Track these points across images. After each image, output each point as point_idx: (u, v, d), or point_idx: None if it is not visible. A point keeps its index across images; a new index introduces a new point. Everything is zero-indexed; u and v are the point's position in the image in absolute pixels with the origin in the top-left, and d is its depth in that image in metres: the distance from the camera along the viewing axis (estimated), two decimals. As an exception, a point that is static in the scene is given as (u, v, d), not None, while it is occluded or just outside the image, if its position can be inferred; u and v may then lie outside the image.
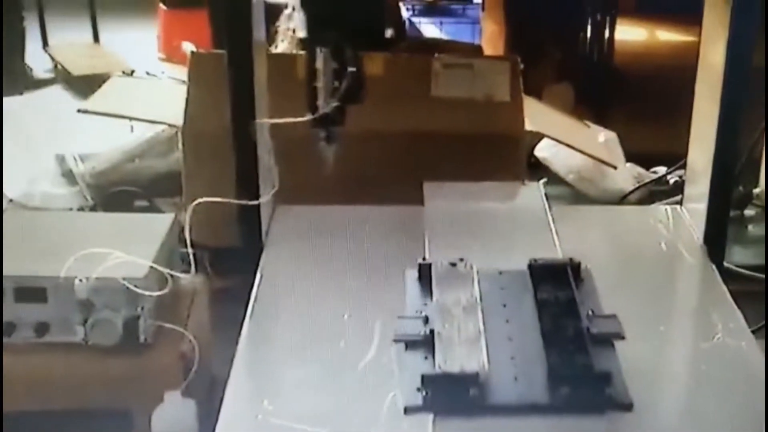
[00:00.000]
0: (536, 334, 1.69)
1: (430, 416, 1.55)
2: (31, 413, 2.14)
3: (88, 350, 2.16)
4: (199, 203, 2.07)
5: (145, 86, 3.78)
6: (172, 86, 3.60)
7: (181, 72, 3.31)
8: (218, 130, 2.21)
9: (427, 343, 1.65)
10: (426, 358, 1.62)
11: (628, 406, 1.56)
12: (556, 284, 1.80)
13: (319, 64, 1.94)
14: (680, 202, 2.39)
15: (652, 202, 3.45)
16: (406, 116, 2.86)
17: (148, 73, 4.70)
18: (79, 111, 3.17)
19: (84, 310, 2.13)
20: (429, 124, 2.91)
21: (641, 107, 4.09)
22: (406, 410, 1.57)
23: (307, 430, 1.60)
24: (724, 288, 2.01)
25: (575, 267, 1.86)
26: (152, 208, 3.30)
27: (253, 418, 1.64)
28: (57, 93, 5.21)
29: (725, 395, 1.69)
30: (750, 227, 3.49)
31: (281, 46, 4.16)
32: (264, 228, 2.20)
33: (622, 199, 3.53)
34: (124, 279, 2.11)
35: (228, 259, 2.15)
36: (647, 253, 2.18)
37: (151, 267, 2.16)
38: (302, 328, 1.89)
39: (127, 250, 2.15)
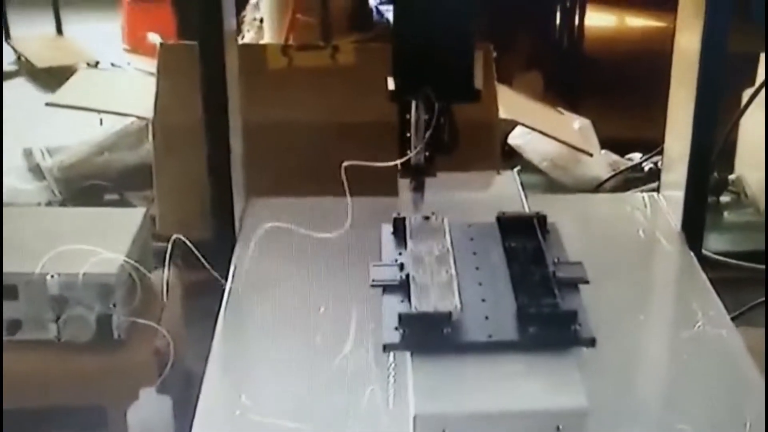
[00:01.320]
0: (505, 279, 1.79)
1: (410, 371, 1.61)
2: (4, 412, 2.12)
3: (61, 347, 2.15)
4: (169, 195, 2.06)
5: (113, 78, 3.76)
6: (139, 78, 3.58)
7: (148, 63, 3.30)
8: (189, 122, 2.20)
9: (403, 288, 1.73)
10: (402, 301, 1.71)
11: (591, 341, 1.64)
12: (524, 235, 1.91)
13: (411, 114, 1.96)
14: (656, 189, 2.39)
15: (627, 189, 3.45)
16: (378, 106, 2.85)
17: (113, 65, 4.68)
18: (47, 104, 3.15)
19: (56, 307, 2.12)
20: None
21: (613, 94, 4.10)
22: (385, 347, 1.65)
23: (287, 426, 1.60)
24: (704, 275, 2.01)
25: (541, 219, 1.95)
26: (123, 202, 3.28)
27: (230, 414, 1.63)
28: (21, 86, 5.17)
29: (707, 385, 1.70)
30: (726, 214, 3.50)
31: (248, 36, 4.16)
32: (237, 220, 2.19)
33: (598, 187, 3.53)
34: (96, 275, 2.10)
35: (201, 253, 2.14)
36: (625, 241, 2.18)
37: (124, 262, 2.15)
38: (278, 321, 1.88)
39: (99, 245, 2.14)
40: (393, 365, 1.70)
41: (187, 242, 2.14)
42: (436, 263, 1.79)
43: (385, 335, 1.65)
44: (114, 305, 2.13)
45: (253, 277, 2.02)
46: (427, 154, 1.96)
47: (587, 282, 1.78)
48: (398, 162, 1.98)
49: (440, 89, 1.88)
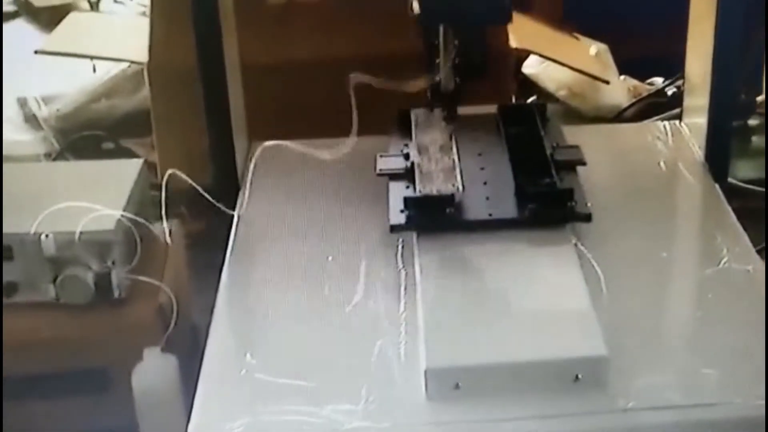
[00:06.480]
0: (506, 164, 1.96)
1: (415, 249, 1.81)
2: (4, 378, 2.11)
3: (60, 309, 2.13)
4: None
5: (107, 21, 3.70)
6: (135, 20, 3.53)
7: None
8: (186, 65, 2.17)
9: (408, 175, 1.92)
10: (408, 187, 1.89)
11: (587, 217, 1.82)
12: (524, 123, 2.09)
13: (438, 39, 1.95)
14: (680, 116, 2.36)
15: (651, 115, 3.39)
16: (383, 38, 2.81)
17: (115, 1, 4.60)
18: (36, 52, 3.11)
19: (53, 268, 2.11)
20: (409, 44, 2.86)
21: (633, 14, 4.03)
22: (392, 228, 1.84)
23: (294, 384, 1.59)
24: (728, 208, 1.98)
25: (541, 108, 2.17)
26: (121, 151, 3.25)
27: (236, 374, 1.63)
28: (20, 28, 5.10)
29: (734, 326, 1.67)
30: (754, 138, 3.44)
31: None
32: (239, 166, 2.17)
33: (618, 115, 3.48)
34: (92, 232, 2.08)
35: (203, 202, 2.12)
36: (645, 173, 2.15)
37: (121, 217, 2.13)
38: (284, 273, 1.87)
39: (95, 200, 2.12)
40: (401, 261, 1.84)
41: (186, 176, 2.10)
42: (440, 151, 1.98)
43: (392, 217, 1.84)
44: (113, 263, 2.11)
45: (257, 226, 2.01)
46: (457, 80, 1.99)
47: (584, 164, 1.96)
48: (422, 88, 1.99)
49: (468, 10, 1.88)
